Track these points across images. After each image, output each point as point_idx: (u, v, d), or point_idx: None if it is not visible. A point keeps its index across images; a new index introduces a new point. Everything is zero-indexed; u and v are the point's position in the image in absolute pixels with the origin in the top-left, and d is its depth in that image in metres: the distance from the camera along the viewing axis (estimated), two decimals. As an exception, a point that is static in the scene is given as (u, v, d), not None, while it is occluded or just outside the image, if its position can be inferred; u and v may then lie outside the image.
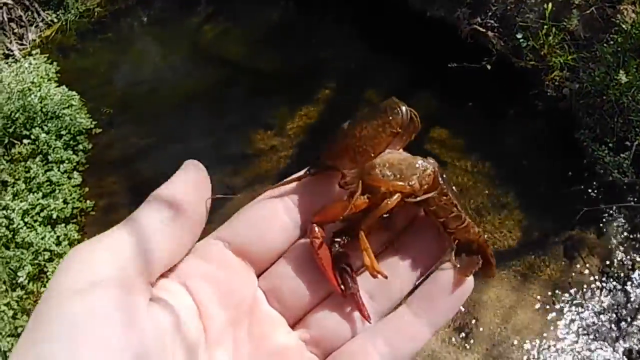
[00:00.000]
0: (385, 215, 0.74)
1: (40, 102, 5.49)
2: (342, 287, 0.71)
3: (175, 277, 0.68)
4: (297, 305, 0.72)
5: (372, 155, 0.72)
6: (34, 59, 6.10)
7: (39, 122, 5.36)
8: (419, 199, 0.73)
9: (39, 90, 5.64)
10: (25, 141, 5.29)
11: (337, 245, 0.73)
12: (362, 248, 0.71)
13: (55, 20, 6.50)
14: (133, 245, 0.61)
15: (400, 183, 0.72)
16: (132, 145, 5.44)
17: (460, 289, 0.73)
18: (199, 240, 0.72)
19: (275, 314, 0.72)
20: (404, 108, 0.71)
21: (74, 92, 5.70)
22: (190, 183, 0.67)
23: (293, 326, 0.72)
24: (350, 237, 0.74)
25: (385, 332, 0.70)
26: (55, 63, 6.05)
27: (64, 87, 5.77)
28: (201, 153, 5.27)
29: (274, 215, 0.72)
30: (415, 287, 0.75)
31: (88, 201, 5.04)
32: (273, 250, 0.72)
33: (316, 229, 0.71)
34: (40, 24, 6.46)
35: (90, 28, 6.60)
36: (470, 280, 0.73)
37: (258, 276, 0.73)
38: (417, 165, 0.74)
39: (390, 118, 0.70)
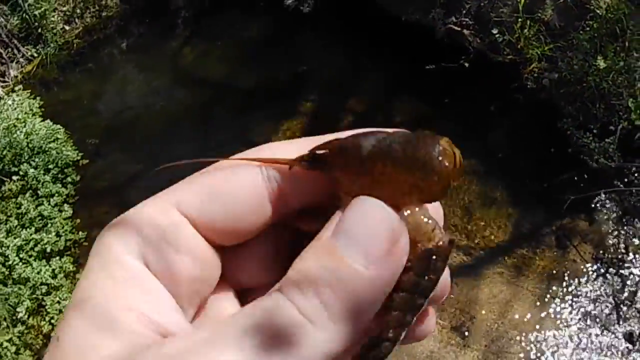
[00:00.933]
0: None
1: (26, 138, 5.52)
2: None
3: None
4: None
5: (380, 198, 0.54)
6: (17, 95, 6.13)
7: (26, 158, 5.38)
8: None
9: (24, 126, 5.67)
10: (15, 177, 5.32)
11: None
12: None
13: (36, 55, 6.52)
14: None
15: None
16: (120, 173, 5.47)
17: None
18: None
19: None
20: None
21: (58, 126, 5.73)
22: None
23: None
24: None
25: None
26: (38, 98, 6.07)
27: (48, 121, 5.79)
28: (189, 174, 5.27)
29: (253, 189, 0.57)
30: None
31: (80, 232, 5.06)
32: (241, 233, 0.59)
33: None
34: (21, 59, 6.48)
35: (70, 60, 6.63)
36: None
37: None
38: (424, 230, 0.55)
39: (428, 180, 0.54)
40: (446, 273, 0.55)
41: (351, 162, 0.55)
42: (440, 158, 0.54)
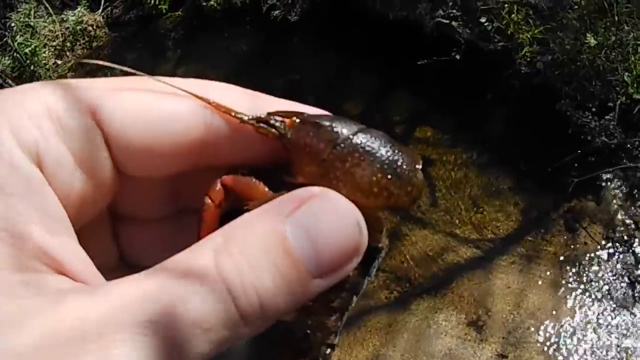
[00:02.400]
0: None
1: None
2: None
3: None
4: None
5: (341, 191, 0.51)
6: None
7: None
8: None
9: (27, 164, 5.68)
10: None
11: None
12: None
13: (28, 87, 6.54)
14: None
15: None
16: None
17: None
18: None
19: None
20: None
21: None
22: None
23: None
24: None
25: None
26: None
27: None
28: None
29: (191, 127, 0.53)
30: None
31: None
32: (159, 168, 0.55)
33: (218, 187, 0.55)
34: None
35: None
36: None
37: None
38: (378, 229, 0.55)
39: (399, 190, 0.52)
40: None
41: (322, 144, 0.52)
42: (421, 172, 0.53)
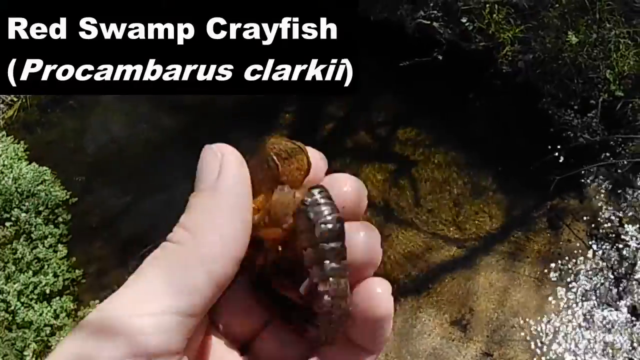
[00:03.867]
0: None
1: (15, 183, 5.53)
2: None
3: None
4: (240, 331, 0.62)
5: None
6: (1, 141, 6.12)
7: (16, 203, 5.39)
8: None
9: (11, 171, 5.67)
10: (7, 224, 5.33)
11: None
12: None
13: (15, 99, 6.49)
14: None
15: (273, 229, 0.57)
16: (111, 207, 5.47)
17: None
18: None
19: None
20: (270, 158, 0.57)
21: (45, 168, 5.72)
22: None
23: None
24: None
25: None
26: (22, 142, 6.05)
27: (34, 164, 5.79)
28: (179, 201, 5.25)
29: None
30: None
31: (77, 270, 5.07)
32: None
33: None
34: (1, 105, 6.48)
35: (50, 100, 6.59)
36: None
37: None
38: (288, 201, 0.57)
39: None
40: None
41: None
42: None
